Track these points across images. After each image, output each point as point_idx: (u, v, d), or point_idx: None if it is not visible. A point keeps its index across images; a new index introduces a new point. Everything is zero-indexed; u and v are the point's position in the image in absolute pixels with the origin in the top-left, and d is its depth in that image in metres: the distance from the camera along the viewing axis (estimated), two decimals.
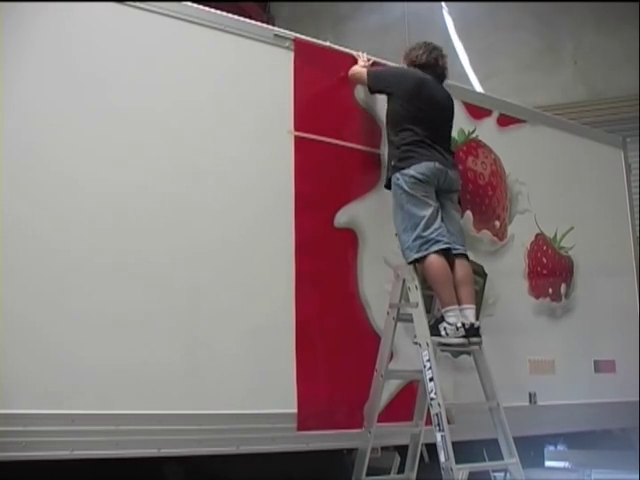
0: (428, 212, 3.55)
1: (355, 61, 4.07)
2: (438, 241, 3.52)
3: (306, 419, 3.54)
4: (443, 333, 3.45)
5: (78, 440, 3.00)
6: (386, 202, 3.96)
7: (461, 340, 3.45)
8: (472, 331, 3.47)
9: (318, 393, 3.62)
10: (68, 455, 2.97)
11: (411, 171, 3.59)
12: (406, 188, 3.58)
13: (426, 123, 3.70)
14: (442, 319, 3.49)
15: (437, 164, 3.63)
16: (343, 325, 3.79)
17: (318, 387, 3.63)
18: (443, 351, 3.71)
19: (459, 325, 3.44)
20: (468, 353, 3.67)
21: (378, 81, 3.91)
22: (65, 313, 3.08)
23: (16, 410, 2.89)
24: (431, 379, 3.35)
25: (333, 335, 3.75)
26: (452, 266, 3.61)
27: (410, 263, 3.56)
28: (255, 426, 3.43)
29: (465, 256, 3.70)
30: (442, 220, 3.62)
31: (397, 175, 3.64)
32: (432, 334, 3.43)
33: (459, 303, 3.55)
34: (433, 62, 3.91)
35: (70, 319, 3.08)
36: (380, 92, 3.95)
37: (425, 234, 3.51)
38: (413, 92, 3.75)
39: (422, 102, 3.74)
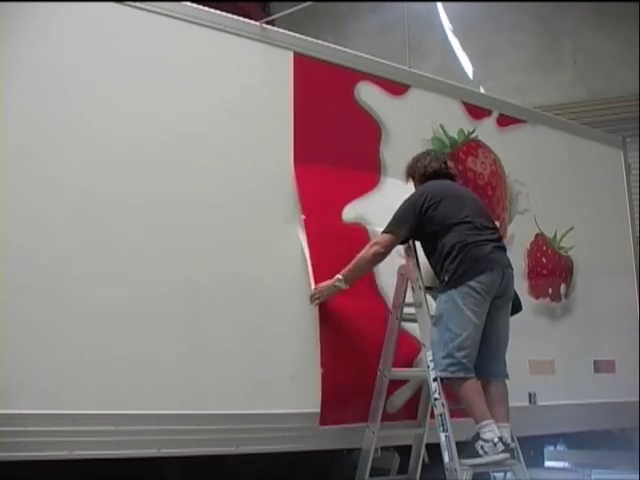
0: (467, 331, 3.26)
1: None
2: (467, 368, 3.25)
3: (328, 413, 3.48)
4: (481, 452, 3.16)
5: (78, 440, 2.99)
6: (386, 202, 3.96)
7: (501, 456, 3.15)
8: (508, 452, 3.20)
9: (342, 387, 3.56)
10: (68, 455, 2.97)
11: (470, 284, 3.27)
12: (458, 301, 3.28)
13: (461, 216, 3.42)
14: (477, 437, 3.20)
15: (496, 272, 3.33)
16: (362, 320, 3.72)
17: (341, 382, 3.56)
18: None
19: (496, 440, 3.16)
20: None
21: (396, 228, 3.52)
22: (65, 314, 3.07)
23: (16, 410, 2.89)
24: (435, 379, 3.31)
25: (355, 330, 3.69)
26: (486, 383, 3.39)
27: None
28: (255, 426, 3.43)
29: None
30: (486, 336, 3.36)
31: (452, 293, 3.31)
32: (469, 455, 3.16)
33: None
34: (444, 167, 3.72)
35: (70, 319, 3.08)
36: (411, 235, 3.54)
37: (457, 355, 3.24)
38: (432, 201, 3.47)
39: (446, 201, 3.46)
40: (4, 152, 3.01)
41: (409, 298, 3.59)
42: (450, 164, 3.82)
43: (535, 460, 4.81)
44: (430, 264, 3.53)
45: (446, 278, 3.35)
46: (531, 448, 4.38)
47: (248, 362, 3.49)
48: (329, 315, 3.62)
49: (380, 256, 3.52)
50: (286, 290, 3.65)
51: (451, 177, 3.75)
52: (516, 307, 3.57)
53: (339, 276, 3.51)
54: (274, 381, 3.53)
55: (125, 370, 3.15)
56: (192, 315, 3.39)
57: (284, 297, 3.64)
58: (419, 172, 3.72)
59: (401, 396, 3.77)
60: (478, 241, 3.38)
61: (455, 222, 3.42)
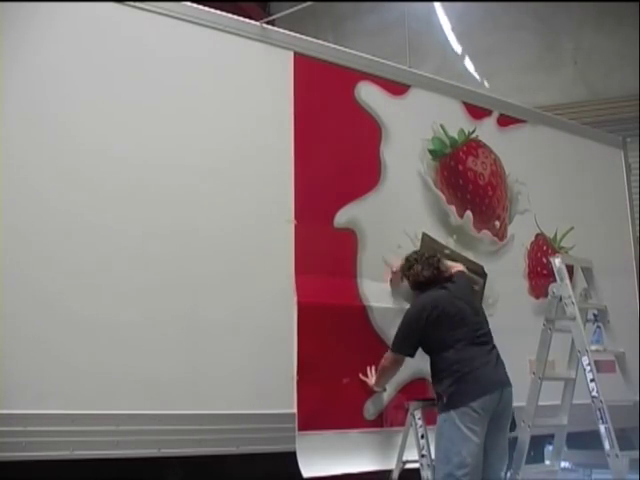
0: (467, 449, 3.30)
1: None
2: None
3: (306, 419, 3.53)
4: None
5: (78, 440, 3.00)
6: (386, 202, 3.95)
7: None
8: None
9: (318, 393, 3.61)
10: (68, 455, 2.97)
11: (469, 404, 3.32)
12: (456, 421, 3.32)
13: (459, 332, 3.48)
14: None
15: (495, 394, 3.39)
16: (344, 325, 3.79)
17: (318, 387, 3.62)
18: None
19: None
20: None
21: (401, 347, 3.60)
22: (65, 314, 3.08)
23: (16, 410, 2.89)
24: (592, 380, 3.81)
25: (334, 335, 3.74)
26: None
27: None
28: (255, 426, 3.43)
29: None
30: (486, 454, 3.38)
31: (451, 413, 3.35)
32: None
33: None
34: (436, 274, 3.67)
35: (70, 319, 3.08)
36: (415, 350, 3.60)
37: (458, 474, 3.28)
38: (430, 319, 3.50)
39: (443, 318, 3.50)
40: (3, 155, 3.01)
41: None
42: (442, 267, 3.73)
43: (535, 460, 4.80)
44: (432, 376, 3.57)
45: (444, 399, 3.40)
46: (531, 448, 4.37)
47: (248, 362, 3.50)
48: (306, 322, 3.64)
49: (389, 371, 3.68)
50: (287, 293, 3.65)
51: (445, 279, 3.70)
52: (511, 427, 3.60)
53: (376, 388, 3.74)
54: (274, 381, 3.53)
55: (125, 370, 3.16)
56: (192, 316, 3.39)
57: (285, 299, 3.65)
58: (412, 279, 3.72)
59: (376, 403, 3.80)
60: (476, 360, 3.43)
61: (453, 340, 3.46)
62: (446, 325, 3.50)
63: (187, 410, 3.27)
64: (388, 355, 3.65)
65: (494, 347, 3.58)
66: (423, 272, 3.66)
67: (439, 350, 3.49)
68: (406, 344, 3.59)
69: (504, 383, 3.48)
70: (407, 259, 3.79)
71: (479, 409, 3.33)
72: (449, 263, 3.89)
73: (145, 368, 3.21)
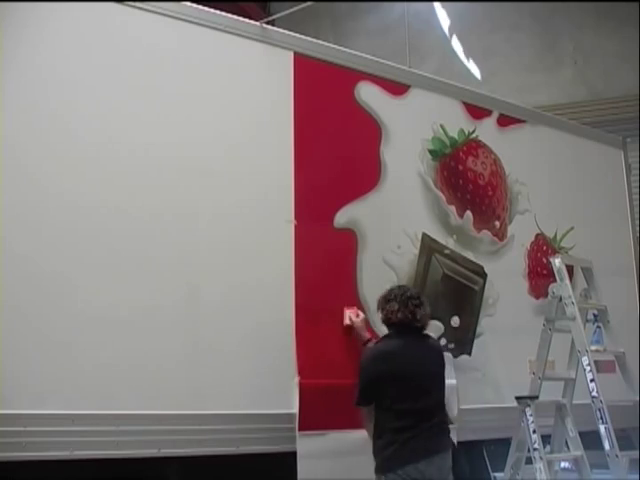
0: None
1: None
2: None
3: (306, 420, 3.53)
4: None
5: (78, 440, 3.00)
6: (386, 202, 3.95)
7: None
8: None
9: (318, 394, 3.61)
10: (68, 455, 2.97)
11: (394, 476, 3.22)
12: None
13: (407, 399, 3.30)
14: None
15: (420, 464, 3.24)
16: (342, 325, 3.79)
17: (318, 388, 3.62)
18: None
19: None
20: None
21: (363, 397, 3.40)
22: (65, 314, 3.08)
23: (16, 410, 2.89)
24: (592, 380, 3.87)
25: (332, 335, 3.74)
26: None
27: None
28: (255, 426, 3.43)
29: None
30: None
31: (382, 478, 3.28)
32: None
33: None
34: (410, 318, 3.43)
35: (70, 320, 3.08)
36: (369, 403, 3.42)
37: None
38: (381, 374, 3.33)
39: (397, 381, 3.32)
40: (2, 156, 3.00)
41: None
42: (419, 315, 3.46)
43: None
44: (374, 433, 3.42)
45: (378, 462, 3.32)
46: None
47: (248, 363, 3.49)
48: (305, 323, 3.64)
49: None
50: (287, 293, 3.66)
51: (418, 329, 3.50)
52: None
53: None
54: (274, 381, 3.53)
55: (125, 370, 3.16)
56: (192, 315, 3.39)
57: (284, 299, 3.65)
58: (385, 315, 3.51)
59: None
60: (412, 430, 3.28)
61: (398, 403, 3.31)
62: (397, 384, 3.32)
63: (187, 410, 3.27)
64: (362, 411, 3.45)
65: (437, 421, 3.38)
66: (398, 313, 3.44)
67: (381, 406, 3.34)
68: (365, 397, 3.39)
69: (432, 451, 3.29)
70: (388, 292, 3.55)
71: (405, 476, 3.22)
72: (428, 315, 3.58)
73: (145, 368, 3.21)
